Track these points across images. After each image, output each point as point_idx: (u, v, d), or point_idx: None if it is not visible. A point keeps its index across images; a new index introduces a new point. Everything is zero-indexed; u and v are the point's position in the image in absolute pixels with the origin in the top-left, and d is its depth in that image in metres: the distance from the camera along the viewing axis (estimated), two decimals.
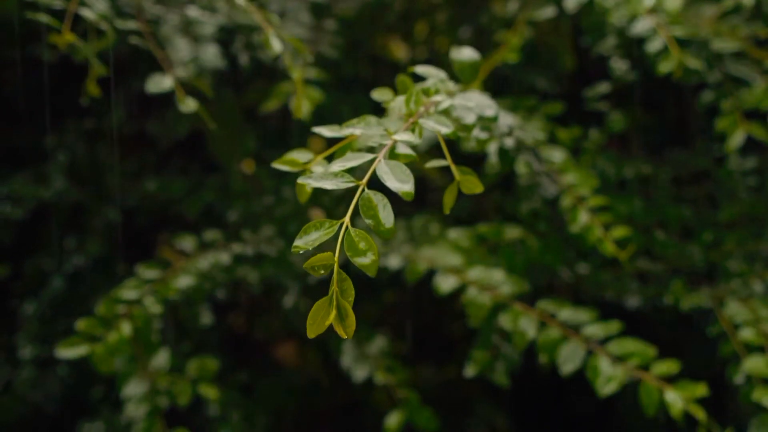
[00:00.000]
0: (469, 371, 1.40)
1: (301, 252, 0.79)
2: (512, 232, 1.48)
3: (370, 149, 0.88)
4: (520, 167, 1.40)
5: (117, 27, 1.31)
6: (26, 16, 1.22)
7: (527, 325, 1.32)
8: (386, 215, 0.79)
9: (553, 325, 1.32)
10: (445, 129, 0.90)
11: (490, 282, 1.37)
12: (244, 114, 1.85)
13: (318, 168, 0.95)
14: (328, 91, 1.69)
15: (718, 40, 1.47)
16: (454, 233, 1.48)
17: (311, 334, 0.78)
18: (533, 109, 1.56)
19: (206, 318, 1.62)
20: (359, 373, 1.53)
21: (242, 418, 1.61)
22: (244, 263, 1.56)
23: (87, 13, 1.22)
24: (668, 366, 1.26)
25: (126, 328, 1.32)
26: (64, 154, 1.77)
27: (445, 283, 1.39)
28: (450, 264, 1.40)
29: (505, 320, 1.34)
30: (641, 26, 1.41)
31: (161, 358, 1.42)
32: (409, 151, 0.87)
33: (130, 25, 1.34)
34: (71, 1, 1.21)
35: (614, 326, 1.30)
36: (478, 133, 1.08)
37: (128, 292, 1.37)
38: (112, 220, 1.75)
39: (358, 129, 0.89)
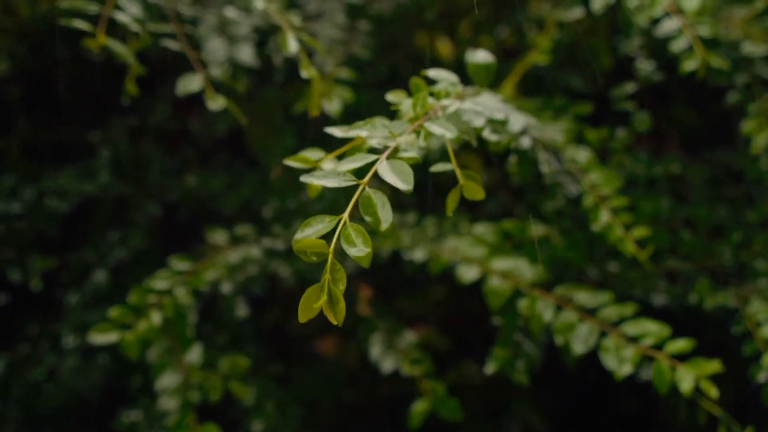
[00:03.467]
0: (490, 368, 1.43)
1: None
2: (537, 230, 1.50)
3: (377, 150, 0.91)
4: (544, 167, 1.42)
5: (151, 29, 1.35)
6: (61, 23, 1.26)
7: (544, 308, 1.34)
8: (384, 214, 0.83)
9: (569, 308, 1.34)
10: (449, 134, 0.94)
11: (511, 270, 1.39)
12: (284, 111, 1.89)
13: (327, 164, 0.99)
14: (366, 91, 1.72)
15: (748, 44, 1.48)
16: (480, 228, 1.50)
17: (302, 318, 0.82)
18: (562, 109, 1.58)
19: (242, 310, 1.67)
20: (386, 365, 1.57)
21: (276, 408, 1.66)
22: (276, 258, 1.60)
23: (121, 17, 1.27)
24: (682, 344, 1.27)
25: (156, 317, 1.37)
26: (109, 150, 1.83)
27: (468, 273, 1.41)
28: (473, 255, 1.43)
29: (522, 305, 1.36)
30: (667, 26, 1.42)
31: (195, 353, 1.46)
32: (412, 153, 0.91)
33: (164, 27, 1.38)
34: (106, 5, 1.26)
35: (629, 308, 1.32)
36: (488, 135, 1.10)
37: (159, 282, 1.42)
38: (154, 214, 1.81)
39: (364, 131, 0.92)
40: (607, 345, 1.29)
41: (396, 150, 0.91)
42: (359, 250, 0.81)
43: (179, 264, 1.47)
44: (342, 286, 0.82)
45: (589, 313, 1.34)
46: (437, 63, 2.07)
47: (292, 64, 1.72)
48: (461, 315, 2.14)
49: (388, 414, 2.12)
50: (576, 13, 1.59)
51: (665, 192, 1.65)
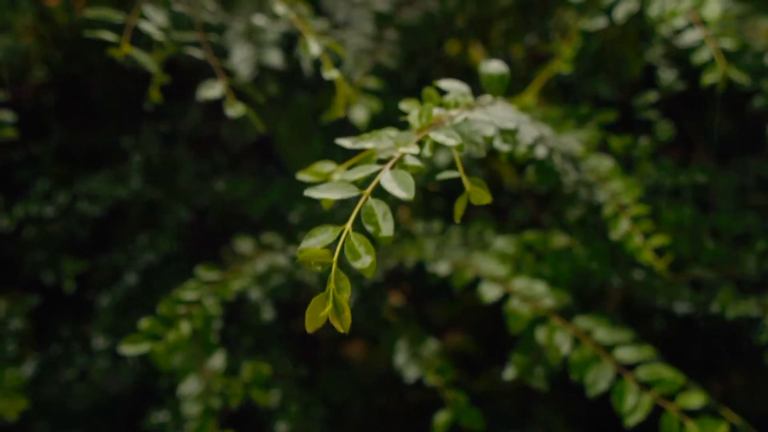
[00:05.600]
0: (509, 374, 1.43)
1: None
2: (558, 240, 1.51)
3: (382, 161, 0.93)
4: (564, 177, 1.43)
5: (176, 38, 1.38)
6: (85, 34, 1.29)
7: (562, 341, 1.34)
8: (386, 224, 0.85)
9: (587, 343, 1.34)
10: (452, 141, 0.95)
11: (532, 294, 1.40)
12: (314, 117, 1.91)
13: (337, 176, 1.01)
14: (396, 99, 1.73)
15: None
16: (501, 241, 1.51)
17: (310, 328, 0.83)
18: (586, 117, 1.58)
19: (267, 314, 1.69)
20: (410, 374, 1.58)
21: (301, 410, 1.67)
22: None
23: (146, 26, 1.30)
24: (694, 398, 1.27)
25: (185, 328, 1.39)
26: (141, 155, 1.86)
27: (490, 293, 1.43)
28: (495, 273, 1.44)
29: (540, 334, 1.37)
30: (688, 37, 1.42)
31: (217, 360, 1.48)
32: (416, 162, 0.92)
33: (189, 36, 1.41)
34: (131, 14, 1.29)
35: (647, 351, 1.32)
36: (499, 145, 1.11)
37: (188, 293, 1.44)
38: (184, 218, 1.84)
39: (369, 143, 0.94)
40: (620, 390, 1.29)
41: (401, 160, 0.92)
42: (363, 261, 0.83)
43: (207, 274, 1.49)
44: (347, 295, 0.84)
45: (606, 350, 1.34)
46: (469, 70, 2.08)
47: (320, 70, 1.74)
48: (492, 320, 2.14)
49: (416, 419, 2.13)
50: (599, 22, 1.59)
51: (690, 201, 1.65)
